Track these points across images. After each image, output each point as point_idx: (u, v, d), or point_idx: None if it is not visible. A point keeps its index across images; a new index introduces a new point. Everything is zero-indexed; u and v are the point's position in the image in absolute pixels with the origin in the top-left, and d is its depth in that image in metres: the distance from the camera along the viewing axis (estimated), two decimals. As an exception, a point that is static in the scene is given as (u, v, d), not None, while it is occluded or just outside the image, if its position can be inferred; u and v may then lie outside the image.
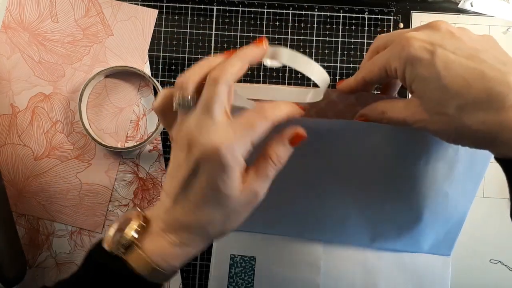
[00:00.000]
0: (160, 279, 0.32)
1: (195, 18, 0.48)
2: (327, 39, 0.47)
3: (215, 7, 0.48)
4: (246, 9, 0.48)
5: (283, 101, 0.33)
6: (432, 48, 0.29)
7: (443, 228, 0.43)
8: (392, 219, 0.43)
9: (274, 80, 0.48)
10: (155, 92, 0.47)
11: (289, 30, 0.48)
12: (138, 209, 0.34)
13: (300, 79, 0.47)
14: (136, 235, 0.32)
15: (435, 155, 0.40)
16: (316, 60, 0.47)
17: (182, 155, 0.32)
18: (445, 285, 0.44)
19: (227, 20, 0.48)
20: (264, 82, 0.48)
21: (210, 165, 0.30)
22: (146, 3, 0.48)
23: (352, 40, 0.47)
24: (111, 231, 0.32)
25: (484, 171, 0.39)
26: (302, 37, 0.47)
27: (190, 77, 0.32)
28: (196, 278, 0.47)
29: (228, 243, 0.45)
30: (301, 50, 0.47)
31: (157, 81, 0.47)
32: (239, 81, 0.33)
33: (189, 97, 0.32)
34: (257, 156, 0.32)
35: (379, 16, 0.47)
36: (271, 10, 0.48)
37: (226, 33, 0.48)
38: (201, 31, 0.48)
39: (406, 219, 0.43)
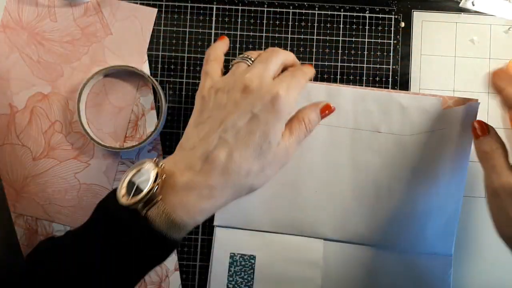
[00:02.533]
0: (180, 235, 0.31)
1: (195, 17, 0.48)
2: (327, 38, 0.47)
3: (214, 6, 0.47)
4: (246, 8, 0.47)
5: (304, 64, 0.38)
6: None
7: (440, 224, 0.43)
8: (391, 217, 0.44)
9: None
10: (154, 92, 0.47)
11: (289, 29, 0.47)
12: (156, 159, 0.32)
13: (300, 79, 0.47)
14: (156, 188, 0.30)
15: (436, 156, 0.41)
16: (317, 59, 0.47)
17: (232, 96, 0.33)
18: (447, 285, 0.44)
19: (226, 19, 0.48)
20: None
21: (266, 110, 0.32)
22: (145, 2, 0.48)
23: (353, 39, 0.47)
24: (125, 183, 0.30)
25: (465, 172, 0.43)
26: (302, 36, 0.47)
27: (257, 51, 0.38)
28: (196, 279, 0.46)
29: (228, 241, 0.45)
30: (301, 49, 0.47)
31: (156, 80, 0.47)
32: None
33: (253, 58, 0.36)
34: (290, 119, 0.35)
35: (380, 15, 0.47)
36: (271, 9, 0.47)
37: (226, 32, 0.47)
38: (200, 30, 0.47)
39: (404, 217, 0.43)
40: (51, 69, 0.47)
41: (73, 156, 0.47)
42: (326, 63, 0.47)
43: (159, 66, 0.47)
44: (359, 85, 0.46)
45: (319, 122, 0.37)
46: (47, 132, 0.47)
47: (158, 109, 0.47)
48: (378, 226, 0.44)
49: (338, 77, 0.47)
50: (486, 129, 0.38)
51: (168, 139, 0.47)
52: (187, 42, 0.47)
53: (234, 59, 0.37)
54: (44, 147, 0.47)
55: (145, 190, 0.29)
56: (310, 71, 0.37)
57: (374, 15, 0.47)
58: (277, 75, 0.36)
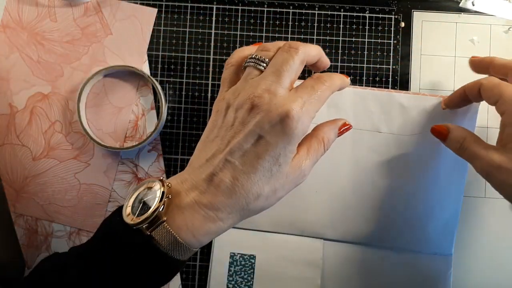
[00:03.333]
0: (185, 256, 0.30)
1: (195, 17, 0.48)
2: (327, 38, 0.47)
3: (214, 6, 0.47)
4: (246, 8, 0.47)
5: (334, 73, 0.34)
6: None
7: (440, 224, 0.43)
8: (391, 217, 0.44)
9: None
10: (154, 92, 0.47)
11: (289, 29, 0.47)
12: (162, 178, 0.31)
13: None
14: (161, 208, 0.29)
15: (436, 158, 0.41)
16: (317, 59, 0.47)
17: (239, 115, 0.30)
18: (447, 284, 0.44)
19: (226, 19, 0.47)
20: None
21: (275, 132, 0.29)
22: (145, 2, 0.48)
23: (353, 39, 0.47)
24: (131, 201, 0.30)
25: (465, 172, 0.43)
26: (302, 36, 0.47)
27: (275, 44, 0.33)
28: (196, 279, 0.46)
29: (228, 241, 0.45)
30: (301, 49, 0.47)
31: (156, 80, 0.47)
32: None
33: (267, 59, 0.32)
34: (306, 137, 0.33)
35: (380, 15, 0.47)
36: (271, 9, 0.47)
37: (225, 32, 0.47)
38: (200, 30, 0.47)
39: (405, 217, 0.43)
40: (51, 69, 0.47)
41: (73, 156, 0.47)
42: (326, 63, 0.47)
43: (159, 66, 0.47)
44: (359, 85, 0.46)
45: (334, 141, 0.35)
46: (47, 132, 0.47)
47: (158, 109, 0.47)
48: (378, 226, 0.44)
49: (338, 77, 0.47)
50: (445, 130, 0.38)
51: (168, 139, 0.47)
52: (187, 42, 0.47)
53: (247, 60, 0.34)
54: (44, 147, 0.47)
55: (150, 210, 0.28)
56: (338, 81, 0.33)
57: (374, 15, 0.47)
58: (294, 82, 0.32)
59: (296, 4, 0.47)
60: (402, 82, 0.47)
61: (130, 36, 0.47)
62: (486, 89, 0.36)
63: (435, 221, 0.43)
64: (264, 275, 0.45)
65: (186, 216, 0.29)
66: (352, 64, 0.47)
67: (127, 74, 0.47)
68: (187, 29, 0.47)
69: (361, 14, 0.47)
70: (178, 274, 0.46)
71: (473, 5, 0.47)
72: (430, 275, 0.44)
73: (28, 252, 0.47)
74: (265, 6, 0.47)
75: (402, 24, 0.47)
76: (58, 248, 0.47)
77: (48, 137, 0.47)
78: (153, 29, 0.47)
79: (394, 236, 0.44)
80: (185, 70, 0.47)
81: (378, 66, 0.47)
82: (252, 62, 0.33)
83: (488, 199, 0.46)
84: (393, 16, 0.47)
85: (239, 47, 0.47)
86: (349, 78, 0.35)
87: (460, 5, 0.47)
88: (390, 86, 0.47)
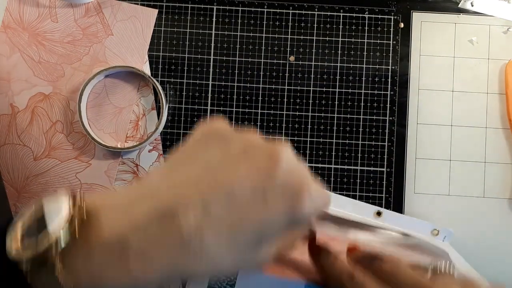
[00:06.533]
0: None
1: (195, 18, 0.48)
2: (327, 38, 0.47)
3: (215, 7, 0.48)
4: (246, 8, 0.48)
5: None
6: None
7: None
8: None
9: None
10: (155, 92, 0.47)
11: (289, 30, 0.47)
12: (75, 193, 0.21)
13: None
14: (62, 242, 0.19)
15: None
16: (316, 59, 0.47)
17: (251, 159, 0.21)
18: None
19: (227, 20, 0.48)
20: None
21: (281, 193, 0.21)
22: (146, 2, 0.48)
23: (352, 40, 0.47)
24: (25, 219, 0.20)
25: None
26: (302, 37, 0.47)
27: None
28: (196, 278, 0.47)
29: None
30: (301, 49, 0.47)
31: (157, 80, 0.47)
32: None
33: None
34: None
35: (379, 16, 0.47)
36: (271, 10, 0.48)
37: (226, 32, 0.48)
38: (201, 31, 0.48)
39: None
40: (52, 69, 0.47)
41: (74, 156, 0.47)
42: (325, 64, 0.47)
43: (160, 66, 0.48)
44: (358, 85, 0.47)
45: None
46: (48, 132, 0.47)
47: (158, 109, 0.47)
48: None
49: (338, 77, 0.47)
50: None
51: (168, 139, 0.47)
52: (187, 43, 0.48)
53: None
54: (45, 147, 0.47)
55: (44, 240, 0.19)
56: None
57: (373, 15, 0.47)
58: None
59: (296, 5, 0.48)
60: (401, 83, 0.47)
61: (131, 37, 0.48)
62: None
63: None
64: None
65: (95, 264, 0.19)
66: (351, 65, 0.47)
67: (128, 75, 0.47)
68: (188, 30, 0.48)
69: (360, 15, 0.47)
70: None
71: (472, 5, 0.47)
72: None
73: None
74: (265, 7, 0.48)
75: (401, 25, 0.47)
76: (59, 247, 0.47)
77: (49, 137, 0.47)
78: (154, 30, 0.48)
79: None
80: (185, 71, 0.48)
81: (377, 66, 0.47)
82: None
83: (487, 199, 0.46)
84: (392, 17, 0.47)
85: (239, 48, 0.47)
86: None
87: (459, 5, 0.47)
88: (389, 86, 0.47)
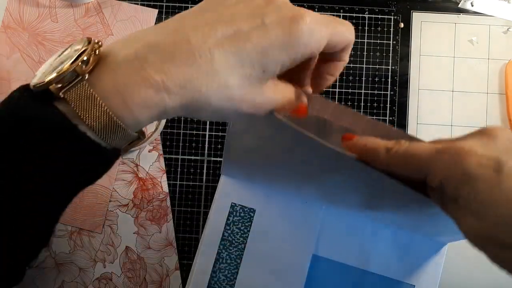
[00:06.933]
0: (111, 138, 0.22)
1: (195, 18, 0.48)
2: (327, 38, 0.47)
3: (215, 7, 0.48)
4: (246, 8, 0.48)
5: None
6: (496, 165, 0.22)
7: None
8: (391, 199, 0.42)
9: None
10: (155, 92, 0.47)
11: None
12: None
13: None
14: (83, 64, 0.21)
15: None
16: (316, 60, 0.47)
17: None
18: (437, 272, 0.44)
19: (227, 20, 0.48)
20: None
21: (281, 26, 0.23)
22: (146, 3, 0.48)
23: (352, 39, 0.47)
24: (46, 65, 0.22)
25: None
26: (302, 37, 0.47)
27: None
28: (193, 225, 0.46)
29: (231, 191, 0.45)
30: (301, 50, 0.47)
31: (157, 81, 0.47)
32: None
33: None
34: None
35: (379, 16, 0.47)
36: (271, 10, 0.48)
37: (226, 32, 0.48)
38: (201, 31, 0.48)
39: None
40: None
41: (74, 156, 0.47)
42: (325, 64, 0.47)
43: (160, 66, 0.48)
44: (358, 85, 0.47)
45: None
46: (48, 132, 0.47)
47: (158, 109, 0.47)
48: (377, 204, 0.43)
49: (338, 77, 0.47)
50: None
51: (168, 139, 0.47)
52: (187, 43, 0.48)
53: None
54: (45, 147, 0.47)
55: (65, 64, 0.21)
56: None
57: (373, 15, 0.47)
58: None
59: (296, 6, 0.48)
60: (401, 83, 0.47)
61: (131, 37, 0.48)
62: (398, 164, 0.25)
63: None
64: (260, 230, 0.45)
65: (118, 75, 0.22)
66: (351, 65, 0.47)
67: (128, 75, 0.47)
68: (188, 30, 0.48)
69: (360, 15, 0.47)
70: (179, 274, 0.46)
71: (472, 5, 0.47)
72: (423, 259, 0.44)
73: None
74: (265, 6, 0.48)
75: (402, 25, 0.47)
76: (59, 247, 0.47)
77: (49, 137, 0.47)
78: (154, 30, 0.48)
79: (392, 215, 0.43)
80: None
81: (377, 66, 0.47)
82: None
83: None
84: (392, 17, 0.47)
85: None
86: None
87: (459, 5, 0.47)
88: (389, 86, 0.47)
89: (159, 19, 0.48)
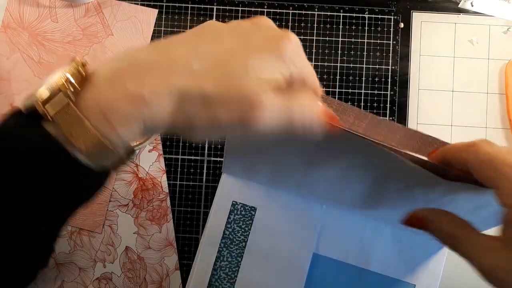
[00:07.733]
0: (98, 158, 0.22)
1: (195, 18, 0.48)
2: (327, 38, 0.47)
3: (215, 7, 0.48)
4: (246, 8, 0.48)
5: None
6: None
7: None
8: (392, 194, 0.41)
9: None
10: (155, 92, 0.47)
11: (289, 30, 0.47)
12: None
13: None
14: (66, 84, 0.22)
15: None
16: (317, 59, 0.47)
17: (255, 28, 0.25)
18: (438, 271, 0.44)
19: (227, 20, 0.48)
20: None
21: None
22: (146, 2, 0.48)
23: (352, 39, 0.47)
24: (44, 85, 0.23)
25: None
26: (302, 37, 0.47)
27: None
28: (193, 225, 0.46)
29: (232, 189, 0.46)
30: (301, 50, 0.47)
31: (157, 81, 0.47)
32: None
33: None
34: None
35: (379, 16, 0.47)
36: (271, 10, 0.48)
37: (226, 33, 0.48)
38: (201, 31, 0.48)
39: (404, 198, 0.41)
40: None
41: (74, 156, 0.47)
42: (326, 64, 0.47)
43: (160, 66, 0.48)
44: (358, 85, 0.47)
45: None
46: (48, 132, 0.47)
47: (158, 109, 0.47)
48: (378, 200, 0.43)
49: (338, 77, 0.47)
50: (422, 218, 0.28)
51: (168, 139, 0.47)
52: (187, 43, 0.48)
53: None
54: (45, 147, 0.47)
55: (51, 84, 0.22)
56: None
57: (373, 15, 0.47)
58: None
59: (296, 5, 0.48)
60: (401, 83, 0.47)
61: (131, 37, 0.48)
62: (477, 170, 0.26)
63: None
64: (261, 228, 0.45)
65: (100, 93, 0.22)
66: (351, 65, 0.47)
67: (128, 75, 0.47)
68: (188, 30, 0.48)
69: (360, 15, 0.47)
70: (179, 274, 0.46)
71: (472, 5, 0.47)
72: (423, 258, 0.44)
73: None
74: (265, 7, 0.48)
75: (402, 25, 0.47)
76: (59, 247, 0.47)
77: (49, 137, 0.47)
78: (154, 30, 0.48)
79: (393, 212, 0.42)
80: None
81: (377, 66, 0.47)
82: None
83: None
84: (392, 17, 0.47)
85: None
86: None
87: (459, 5, 0.47)
88: (389, 86, 0.47)
89: (159, 19, 0.48)
